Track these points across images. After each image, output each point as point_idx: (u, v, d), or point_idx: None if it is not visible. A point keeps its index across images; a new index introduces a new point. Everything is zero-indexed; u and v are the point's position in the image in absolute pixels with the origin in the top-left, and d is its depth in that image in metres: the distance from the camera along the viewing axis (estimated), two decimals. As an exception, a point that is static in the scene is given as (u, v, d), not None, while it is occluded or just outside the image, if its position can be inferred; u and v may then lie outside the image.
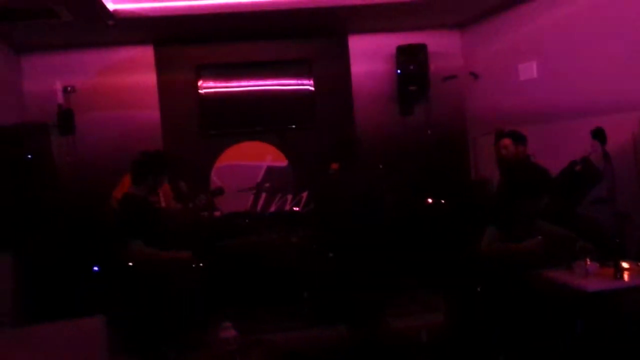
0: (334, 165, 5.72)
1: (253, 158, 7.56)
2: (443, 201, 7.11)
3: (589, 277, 4.09)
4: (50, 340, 4.41)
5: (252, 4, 6.38)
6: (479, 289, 4.77)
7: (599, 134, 5.49)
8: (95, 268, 6.35)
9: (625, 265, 4.12)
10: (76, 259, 6.46)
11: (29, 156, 5.88)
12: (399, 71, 7.51)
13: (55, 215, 6.51)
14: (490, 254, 4.69)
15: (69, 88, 6.87)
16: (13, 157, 5.82)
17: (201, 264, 6.47)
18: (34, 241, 5.86)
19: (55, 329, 4.55)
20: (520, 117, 6.68)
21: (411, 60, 7.45)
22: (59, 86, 6.84)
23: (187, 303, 5.08)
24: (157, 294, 4.58)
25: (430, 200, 7.12)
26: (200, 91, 7.48)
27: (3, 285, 5.00)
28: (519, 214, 4.60)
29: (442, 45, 7.78)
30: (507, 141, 5.44)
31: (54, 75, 6.94)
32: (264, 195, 7.44)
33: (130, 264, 4.56)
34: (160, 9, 6.31)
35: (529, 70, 6.68)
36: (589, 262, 4.18)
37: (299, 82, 7.68)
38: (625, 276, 4.02)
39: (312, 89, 7.67)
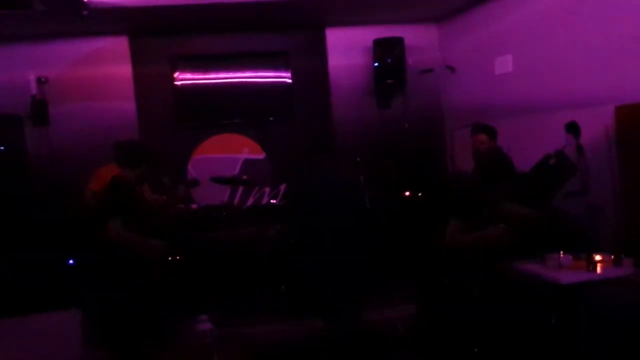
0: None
1: (230, 150, 7.53)
2: (420, 194, 7.16)
3: (562, 270, 4.16)
4: (24, 333, 4.39)
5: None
6: (445, 281, 4.81)
7: (572, 128, 5.56)
8: (70, 261, 6.29)
9: (598, 257, 4.18)
10: (51, 251, 6.40)
11: (2, 148, 5.79)
12: (376, 64, 7.52)
13: (29, 206, 6.44)
14: (454, 245, 4.74)
15: (42, 79, 6.78)
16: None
17: (177, 257, 6.48)
18: (7, 233, 5.79)
19: (29, 322, 4.53)
20: (496, 111, 6.73)
21: (388, 53, 7.46)
22: (32, 77, 6.74)
23: (159, 293, 5.06)
24: (130, 281, 4.53)
25: (407, 193, 7.16)
26: (176, 83, 7.42)
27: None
28: (480, 202, 4.66)
29: (419, 39, 7.79)
30: (482, 137, 5.49)
31: (27, 66, 6.82)
32: (241, 188, 7.42)
33: (105, 244, 4.49)
34: (135, -1, 6.24)
35: (505, 64, 6.73)
36: (561, 255, 4.25)
37: (277, 74, 7.65)
38: (598, 268, 4.08)
39: (290, 81, 7.65)
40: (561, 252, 4.27)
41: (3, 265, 5.56)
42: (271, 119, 7.56)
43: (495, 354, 4.57)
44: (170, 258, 6.42)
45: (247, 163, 7.54)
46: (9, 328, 4.43)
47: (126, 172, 4.66)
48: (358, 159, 6.42)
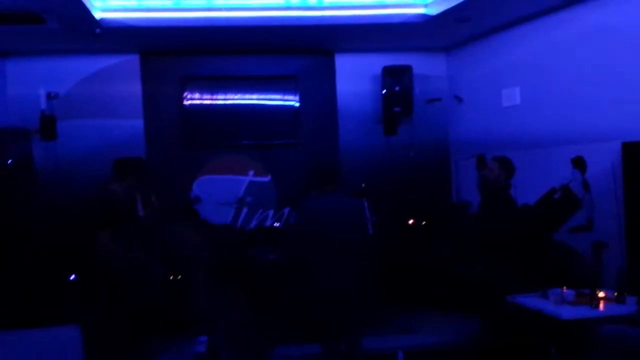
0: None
1: (235, 172, 7.54)
2: (424, 222, 7.14)
3: (564, 305, 4.13)
4: (24, 347, 4.36)
5: (240, 19, 6.39)
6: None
7: (579, 163, 5.57)
8: (72, 277, 6.30)
9: (601, 294, 4.15)
10: (54, 265, 6.41)
11: (10, 161, 5.82)
12: (384, 91, 7.55)
13: (34, 220, 6.46)
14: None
15: (52, 94, 6.82)
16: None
17: (176, 276, 6.47)
18: (12, 246, 5.80)
19: (30, 336, 4.50)
20: (503, 143, 6.73)
21: (396, 81, 7.49)
22: (42, 92, 6.79)
23: (146, 309, 5.03)
24: (119, 295, 4.51)
25: (411, 221, 7.14)
26: (185, 103, 7.46)
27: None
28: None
29: (427, 68, 7.82)
30: (494, 164, 5.45)
31: (37, 81, 6.88)
32: (245, 209, 7.42)
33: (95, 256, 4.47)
34: (148, 19, 6.29)
35: (513, 96, 6.75)
36: (564, 290, 4.22)
37: (285, 98, 7.68)
38: (601, 305, 4.05)
39: (298, 105, 7.68)
40: (564, 287, 4.25)
41: (6, 276, 5.55)
42: (278, 142, 7.58)
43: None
44: (170, 277, 6.45)
45: (252, 185, 7.54)
46: (8, 341, 4.41)
47: (118, 185, 4.68)
48: (363, 185, 6.43)
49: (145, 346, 5.13)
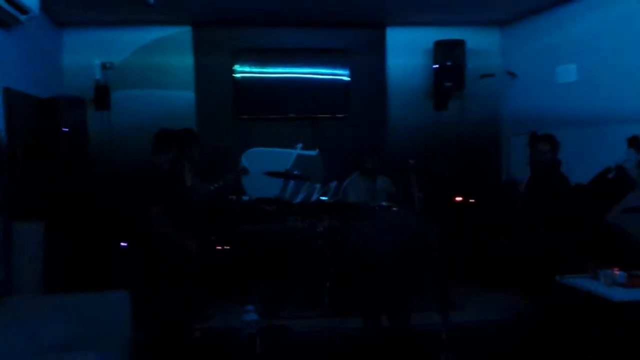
0: None
1: (284, 144, 7.59)
2: (472, 200, 7.07)
3: (616, 287, 4.05)
4: (76, 309, 4.50)
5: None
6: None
7: (635, 142, 5.40)
8: (123, 244, 6.45)
9: (653, 276, 4.06)
10: (106, 233, 6.58)
11: (65, 129, 5.97)
12: (435, 66, 7.46)
13: (87, 188, 6.64)
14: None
15: (107, 64, 6.96)
16: (50, 128, 5.91)
17: (225, 247, 6.58)
18: (67, 212, 5.96)
19: (81, 299, 4.64)
20: (557, 120, 6.59)
21: (448, 55, 7.39)
22: (97, 62, 6.93)
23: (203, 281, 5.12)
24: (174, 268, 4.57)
25: (459, 198, 7.08)
26: (235, 75, 7.50)
27: (35, 252, 5.09)
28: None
29: (480, 42, 7.70)
30: (545, 146, 5.35)
31: (93, 51, 7.03)
32: (292, 182, 7.47)
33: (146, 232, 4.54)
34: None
35: (568, 72, 6.58)
36: (616, 271, 4.14)
37: (335, 71, 7.65)
38: (653, 288, 3.96)
39: (348, 79, 7.64)
40: (616, 269, 4.16)
41: (60, 241, 5.72)
42: (327, 115, 7.57)
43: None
44: (218, 248, 6.57)
45: (300, 158, 7.57)
46: (61, 303, 4.56)
47: (156, 158, 4.67)
48: (411, 161, 6.38)
49: (195, 310, 5.24)
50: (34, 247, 5.11)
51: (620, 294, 3.92)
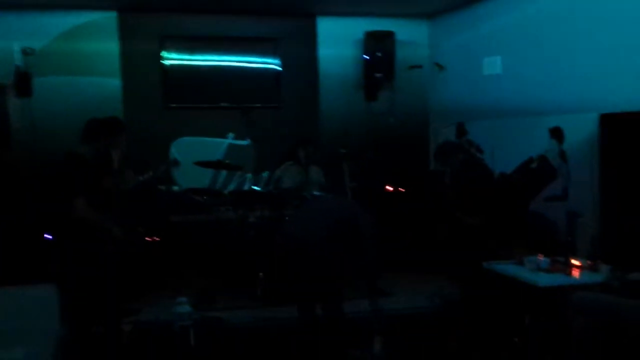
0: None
1: (215, 134, 7.49)
2: (402, 189, 7.20)
3: (540, 272, 4.23)
4: (2, 303, 4.33)
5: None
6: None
7: (557, 133, 5.65)
8: (48, 236, 6.23)
9: (576, 262, 4.26)
10: (29, 223, 6.33)
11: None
12: (365, 57, 7.53)
13: (9, 177, 6.36)
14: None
15: (27, 50, 6.67)
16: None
17: (154, 238, 6.47)
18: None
19: (7, 293, 4.47)
20: (482, 111, 6.79)
21: (378, 46, 7.48)
22: (17, 47, 6.63)
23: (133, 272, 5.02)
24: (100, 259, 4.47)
25: (390, 188, 7.20)
26: (164, 62, 7.34)
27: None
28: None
29: (409, 34, 7.81)
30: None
31: (12, 36, 6.72)
32: (223, 172, 7.39)
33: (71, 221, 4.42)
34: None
35: (494, 65, 6.77)
36: (540, 257, 4.32)
37: (266, 60, 7.60)
38: (576, 273, 4.16)
39: (279, 68, 7.61)
40: (540, 255, 4.34)
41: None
42: (258, 105, 7.52)
43: (468, 352, 4.64)
44: (147, 239, 6.44)
45: (232, 148, 7.50)
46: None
47: (83, 148, 4.57)
48: (342, 150, 6.44)
49: (123, 304, 5.13)
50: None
51: (545, 280, 4.09)
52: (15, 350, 3.17)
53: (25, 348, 3.22)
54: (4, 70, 6.66)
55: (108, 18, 7.19)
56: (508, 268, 4.45)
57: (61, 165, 4.53)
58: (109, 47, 7.23)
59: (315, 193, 6.26)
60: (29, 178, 6.54)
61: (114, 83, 7.22)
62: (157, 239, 6.53)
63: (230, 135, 7.50)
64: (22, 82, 6.68)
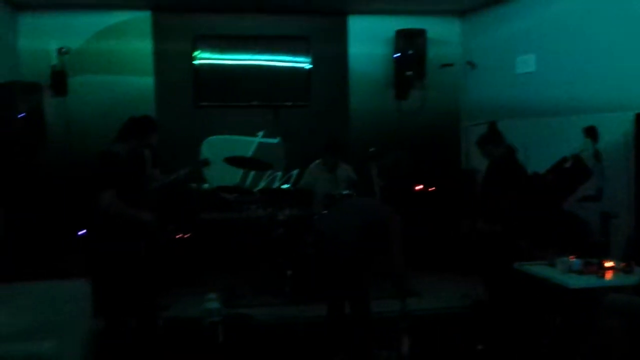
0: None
1: (245, 132, 7.54)
2: (432, 188, 7.15)
3: (571, 274, 4.15)
4: (35, 298, 4.42)
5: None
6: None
7: (591, 132, 5.54)
8: (82, 232, 6.35)
9: (608, 264, 4.17)
10: (63, 219, 6.46)
11: (22, 114, 5.82)
12: (396, 55, 7.49)
13: (45, 174, 6.50)
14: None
15: (63, 49, 6.80)
16: (6, 114, 5.77)
17: (184, 235, 6.54)
18: (24, 199, 5.84)
19: (41, 287, 4.56)
20: (515, 110, 6.71)
21: (410, 44, 7.43)
22: (54, 47, 6.77)
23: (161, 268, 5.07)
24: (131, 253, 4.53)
25: (419, 187, 7.15)
26: (195, 62, 7.40)
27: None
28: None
29: (441, 32, 7.75)
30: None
31: (49, 36, 6.86)
32: (253, 171, 7.43)
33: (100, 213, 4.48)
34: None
35: (528, 63, 6.68)
36: (572, 259, 4.24)
37: (296, 59, 7.61)
38: (608, 275, 4.07)
39: (309, 67, 7.61)
40: (572, 257, 4.26)
41: (18, 228, 5.61)
42: (288, 103, 7.54)
43: (498, 353, 4.59)
44: (178, 236, 6.51)
45: (262, 146, 7.54)
46: (20, 292, 4.47)
47: (116, 146, 4.65)
48: (372, 149, 6.41)
49: (155, 299, 5.18)
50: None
51: (576, 281, 4.02)
52: (48, 343, 3.22)
53: (58, 341, 3.27)
54: (41, 70, 6.79)
55: (142, 18, 7.28)
56: (539, 269, 4.38)
57: (95, 162, 4.61)
58: (143, 46, 7.32)
59: (344, 192, 6.25)
60: (63, 175, 6.67)
61: (147, 82, 7.31)
62: (187, 235, 6.60)
63: (260, 133, 7.54)
64: (58, 81, 6.82)
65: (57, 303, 4.44)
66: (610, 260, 4.24)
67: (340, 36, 7.72)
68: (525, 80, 6.70)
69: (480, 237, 5.31)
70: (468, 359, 4.65)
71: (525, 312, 4.63)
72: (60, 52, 6.78)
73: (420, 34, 7.45)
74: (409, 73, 7.45)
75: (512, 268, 4.55)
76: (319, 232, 4.99)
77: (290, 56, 7.62)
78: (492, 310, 5.06)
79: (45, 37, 6.84)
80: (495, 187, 5.19)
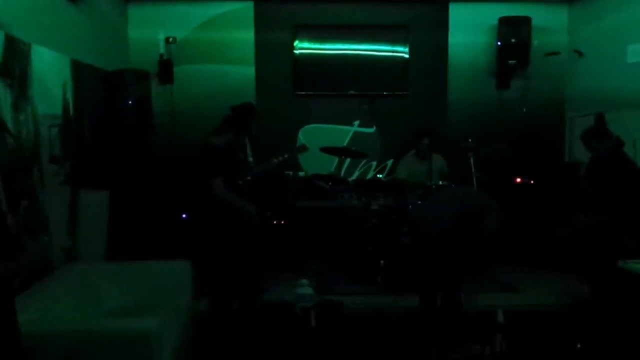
0: None
1: (341, 121, 7.58)
2: (532, 181, 6.93)
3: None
4: (138, 277, 4.67)
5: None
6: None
7: None
8: (184, 215, 6.63)
9: None
10: (168, 204, 6.77)
11: (130, 101, 6.11)
12: (499, 43, 7.28)
13: (151, 159, 6.82)
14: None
15: (170, 39, 7.07)
16: (116, 101, 6.06)
17: (281, 221, 6.67)
18: (131, 183, 6.15)
19: (144, 267, 4.81)
20: (624, 101, 6.37)
21: (513, 32, 7.20)
22: (161, 36, 7.06)
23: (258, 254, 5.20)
24: (233, 238, 4.67)
25: (519, 180, 6.94)
26: (295, 51, 7.51)
27: (100, 221, 5.28)
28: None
29: (547, 20, 7.46)
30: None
31: (157, 26, 7.15)
32: (348, 160, 7.46)
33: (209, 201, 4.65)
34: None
35: (639, 52, 6.32)
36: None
37: (395, 48, 7.55)
38: None
39: (407, 56, 7.54)
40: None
41: (124, 211, 5.90)
42: (385, 93, 7.51)
43: (598, 351, 4.42)
44: (274, 222, 6.66)
45: (357, 135, 7.56)
46: (126, 270, 4.74)
47: (218, 138, 4.79)
48: (470, 140, 6.28)
49: (256, 282, 5.33)
50: (99, 216, 5.28)
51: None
52: (151, 320, 3.40)
53: (159, 319, 3.44)
54: (150, 59, 7.08)
55: (245, 8, 7.44)
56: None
57: (200, 151, 4.80)
58: (245, 36, 7.47)
59: (440, 183, 6.18)
60: (166, 160, 6.97)
61: (249, 71, 7.48)
62: (283, 222, 6.74)
63: (356, 122, 7.56)
64: (165, 69, 7.10)
65: (160, 282, 4.68)
66: None
67: (440, 24, 7.57)
68: (637, 69, 6.34)
69: (582, 232, 5.10)
70: (565, 358, 4.49)
71: (629, 313, 4.41)
72: (167, 41, 7.06)
73: (524, 21, 7.20)
74: (511, 62, 7.22)
75: (617, 266, 4.35)
76: (414, 222, 4.96)
77: (389, 45, 7.57)
78: (595, 309, 4.86)
79: (153, 27, 7.12)
80: (598, 184, 4.97)
